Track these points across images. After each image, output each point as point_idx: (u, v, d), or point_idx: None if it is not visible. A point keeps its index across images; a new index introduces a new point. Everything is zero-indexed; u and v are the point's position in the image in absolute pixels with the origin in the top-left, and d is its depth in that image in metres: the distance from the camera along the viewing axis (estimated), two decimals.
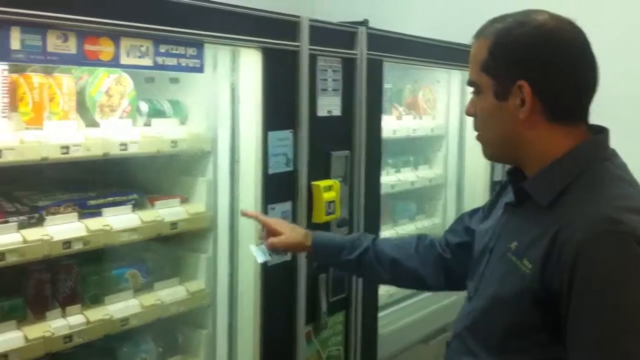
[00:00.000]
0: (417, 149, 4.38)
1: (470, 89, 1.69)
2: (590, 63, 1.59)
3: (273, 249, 2.27)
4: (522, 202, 1.65)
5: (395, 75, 4.12)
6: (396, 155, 4.16)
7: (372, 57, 3.19)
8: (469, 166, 4.44)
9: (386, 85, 3.90)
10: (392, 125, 3.90)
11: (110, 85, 2.57)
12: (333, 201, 2.90)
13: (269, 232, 2.29)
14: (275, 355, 2.85)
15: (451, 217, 4.48)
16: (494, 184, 4.38)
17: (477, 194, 4.42)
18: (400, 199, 4.26)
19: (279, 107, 2.74)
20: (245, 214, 2.47)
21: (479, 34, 1.64)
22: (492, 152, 1.71)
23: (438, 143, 4.46)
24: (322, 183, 2.89)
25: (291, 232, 2.28)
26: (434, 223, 4.44)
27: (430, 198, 4.52)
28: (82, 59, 2.10)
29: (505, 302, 1.59)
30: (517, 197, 1.67)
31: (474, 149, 4.33)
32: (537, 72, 1.55)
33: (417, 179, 4.22)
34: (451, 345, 1.80)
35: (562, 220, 1.49)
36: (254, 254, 2.30)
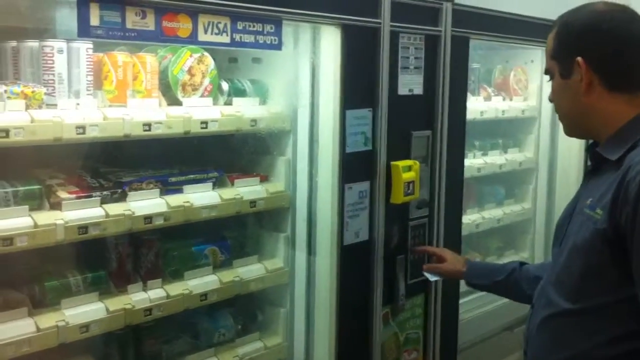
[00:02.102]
0: (507, 131, 4.24)
1: (547, 78, 1.92)
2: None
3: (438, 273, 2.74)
4: (598, 168, 1.82)
5: (485, 54, 4.00)
6: (484, 138, 4.04)
7: (458, 34, 3.09)
8: (562, 150, 4.25)
9: (474, 65, 3.80)
10: (480, 106, 3.79)
11: (193, 64, 2.60)
12: (412, 182, 2.84)
13: (437, 258, 2.75)
14: (352, 335, 2.83)
15: (542, 202, 4.32)
16: (588, 169, 4.19)
17: (571, 179, 4.23)
18: (488, 183, 4.14)
19: (358, 86, 2.71)
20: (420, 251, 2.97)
21: (550, 29, 1.89)
22: (569, 128, 1.94)
23: (529, 125, 4.30)
24: (402, 163, 2.83)
25: (452, 259, 2.69)
26: (523, 208, 4.30)
27: (520, 182, 4.36)
28: (160, 35, 2.13)
29: (582, 248, 1.76)
30: (594, 162, 1.85)
31: None
32: (590, 48, 1.78)
33: (506, 162, 4.08)
34: (534, 306, 1.96)
35: (627, 165, 1.68)
36: (426, 275, 2.79)
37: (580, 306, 1.77)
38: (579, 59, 1.77)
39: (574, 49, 1.79)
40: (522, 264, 2.41)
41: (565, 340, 1.81)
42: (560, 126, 4.25)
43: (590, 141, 1.93)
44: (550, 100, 1.93)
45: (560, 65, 1.84)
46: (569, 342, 1.80)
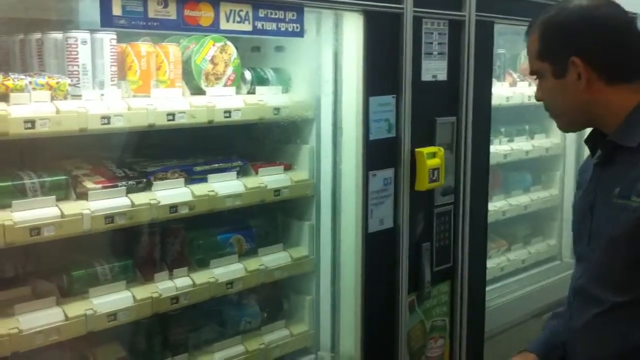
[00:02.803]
0: (533, 117, 4.18)
1: (533, 77, 1.91)
2: (630, 29, 1.80)
3: None
4: (610, 158, 1.81)
5: (510, 39, 3.94)
6: (510, 124, 3.99)
7: (482, 19, 3.06)
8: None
9: (499, 50, 3.76)
10: (505, 92, 3.75)
11: (215, 53, 2.61)
12: (437, 168, 2.83)
13: None
14: (377, 323, 2.84)
15: (569, 189, 4.27)
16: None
17: None
18: (514, 169, 4.10)
19: (381, 72, 2.69)
20: None
21: (528, 32, 1.88)
22: (566, 123, 1.91)
23: None
24: (426, 150, 2.81)
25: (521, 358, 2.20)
26: (551, 195, 4.25)
27: (547, 169, 4.32)
28: (182, 24, 2.14)
29: (622, 240, 1.73)
30: (605, 152, 1.82)
31: None
32: (584, 46, 1.76)
33: (533, 148, 4.04)
34: (574, 304, 1.93)
35: None
36: None
37: (631, 297, 1.75)
38: (575, 58, 1.76)
39: (567, 48, 1.77)
40: (555, 315, 2.21)
41: (619, 334, 1.79)
42: None
43: (587, 133, 1.92)
44: (539, 99, 1.91)
45: (552, 66, 1.81)
46: (624, 335, 1.78)
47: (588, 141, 1.93)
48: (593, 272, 1.85)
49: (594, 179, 1.88)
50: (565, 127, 1.96)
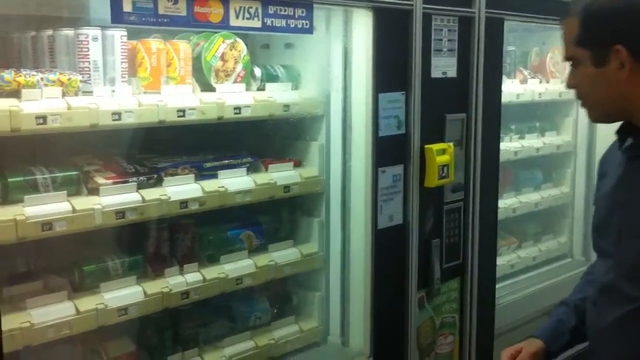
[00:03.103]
0: (544, 115, 4.17)
1: (568, 64, 1.85)
2: None
3: None
4: None
5: (521, 36, 3.94)
6: (520, 121, 3.98)
7: (492, 15, 3.06)
8: (600, 133, 4.17)
9: (510, 48, 3.75)
10: (516, 89, 3.74)
11: (225, 50, 2.62)
12: (447, 165, 2.83)
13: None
14: (387, 319, 2.84)
15: (581, 186, 4.26)
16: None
17: None
18: (525, 167, 4.09)
19: (391, 69, 2.70)
20: None
21: (567, 16, 1.81)
22: (600, 114, 1.87)
23: (567, 108, 4.23)
24: (435, 146, 2.82)
25: (528, 344, 2.21)
26: (562, 192, 4.24)
27: (558, 166, 4.30)
28: (192, 21, 2.15)
29: None
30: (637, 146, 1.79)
31: None
32: (629, 35, 1.72)
33: (543, 145, 4.02)
34: (601, 301, 1.90)
35: None
36: None
37: None
38: (619, 46, 1.71)
39: (610, 36, 1.72)
40: (562, 303, 2.25)
41: None
42: None
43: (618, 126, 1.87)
44: (571, 87, 1.85)
45: (593, 54, 1.75)
46: None
47: (619, 132, 1.87)
48: (625, 270, 1.82)
49: (624, 176, 1.84)
50: (598, 119, 1.90)
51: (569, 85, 1.86)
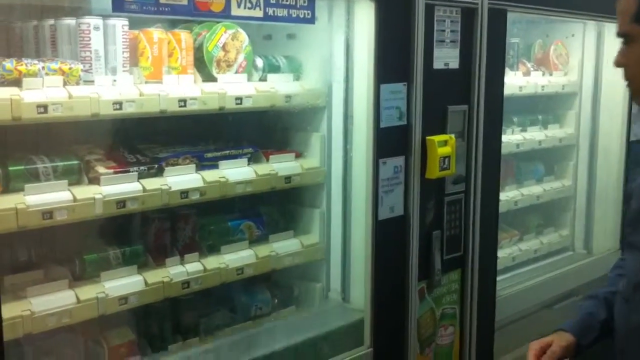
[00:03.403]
0: (547, 107, 4.16)
1: (620, 40, 1.74)
2: None
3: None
4: None
5: (524, 29, 3.92)
6: (523, 113, 3.97)
7: (495, 6, 3.05)
8: (603, 125, 4.17)
9: (513, 40, 3.74)
10: (518, 81, 3.73)
11: (227, 40, 2.62)
12: (448, 157, 2.82)
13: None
14: (388, 310, 2.84)
15: (583, 179, 4.25)
16: (630, 144, 4.10)
17: (612, 155, 4.17)
18: (527, 159, 4.08)
19: (392, 60, 2.69)
20: None
21: None
22: None
23: (570, 101, 4.21)
24: (437, 138, 2.81)
25: (558, 337, 2.12)
26: (563, 185, 4.22)
27: (560, 159, 4.29)
28: (194, 10, 2.15)
29: None
30: None
31: (610, 106, 4.09)
32: None
33: (546, 138, 4.01)
34: (635, 298, 1.82)
35: None
36: None
37: None
38: None
39: None
40: (590, 297, 2.17)
41: None
42: (602, 102, 4.20)
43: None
44: (620, 65, 1.76)
45: None
46: None
47: None
48: None
49: None
50: None
51: (618, 64, 1.77)
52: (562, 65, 4.13)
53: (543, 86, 3.89)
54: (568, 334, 2.06)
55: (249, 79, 2.68)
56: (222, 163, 2.63)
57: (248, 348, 2.57)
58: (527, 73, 3.89)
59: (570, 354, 2.05)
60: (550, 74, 4.04)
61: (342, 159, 2.83)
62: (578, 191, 4.27)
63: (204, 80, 2.55)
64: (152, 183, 2.40)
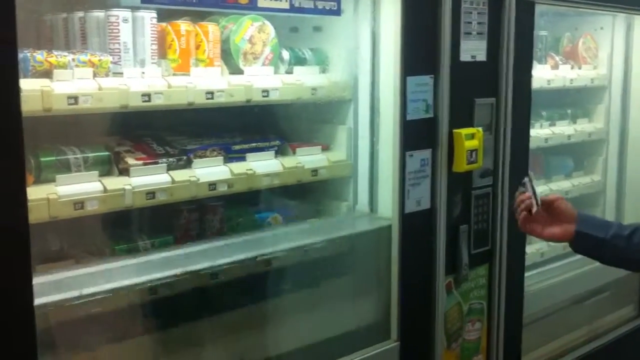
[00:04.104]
0: (575, 101, 4.12)
1: None
2: None
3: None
4: None
5: (553, 22, 3.89)
6: (551, 107, 3.93)
7: None
8: (634, 119, 4.11)
9: (541, 33, 3.70)
10: (547, 74, 3.69)
11: (253, 33, 2.63)
12: (475, 150, 2.80)
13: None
14: (415, 304, 2.83)
15: (613, 174, 4.20)
16: None
17: None
18: (555, 154, 4.03)
19: (419, 52, 2.68)
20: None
21: None
22: None
23: (599, 95, 4.16)
24: (464, 131, 2.79)
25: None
26: (593, 180, 4.18)
27: (589, 153, 4.24)
28: (221, 1, 2.16)
29: None
30: None
31: None
32: None
33: (575, 132, 3.97)
34: None
35: None
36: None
37: None
38: None
39: None
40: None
41: None
42: (632, 96, 4.14)
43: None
44: None
45: None
46: None
47: None
48: None
49: None
50: None
51: None
52: (591, 59, 4.09)
53: (572, 80, 3.85)
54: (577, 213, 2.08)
55: (275, 72, 2.69)
56: (249, 155, 2.64)
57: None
58: (555, 66, 3.85)
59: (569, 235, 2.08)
60: (579, 68, 4.00)
61: (369, 151, 2.83)
62: (608, 186, 4.22)
63: (230, 73, 2.56)
64: (181, 175, 2.42)
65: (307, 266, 2.66)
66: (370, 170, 2.84)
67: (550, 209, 2.13)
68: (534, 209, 2.12)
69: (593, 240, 2.06)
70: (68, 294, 2.05)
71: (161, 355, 2.37)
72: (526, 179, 2.17)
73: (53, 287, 2.06)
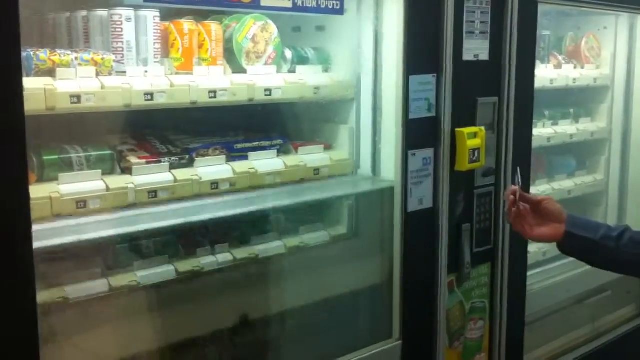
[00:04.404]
0: (578, 101, 4.11)
1: None
2: None
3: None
4: None
5: (556, 21, 3.89)
6: (554, 107, 3.93)
7: None
8: (636, 119, 4.11)
9: (544, 32, 3.70)
10: (549, 74, 3.69)
11: (256, 32, 2.63)
12: (478, 149, 2.80)
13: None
14: (417, 302, 2.84)
15: (615, 174, 4.19)
16: None
17: None
18: (558, 153, 4.03)
19: (422, 50, 2.68)
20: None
21: None
22: None
23: (602, 94, 4.16)
24: (467, 130, 2.79)
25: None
26: (595, 180, 4.17)
27: (592, 153, 4.23)
28: (224, 1, 2.16)
29: None
30: None
31: None
32: None
33: (577, 132, 3.97)
34: None
35: None
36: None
37: None
38: None
39: None
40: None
41: None
42: (635, 95, 4.14)
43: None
44: None
45: None
46: None
47: None
48: None
49: None
50: None
51: None
52: (594, 59, 4.08)
53: (574, 79, 3.85)
54: (565, 215, 2.09)
55: (278, 71, 2.69)
56: (251, 154, 2.64)
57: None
58: (558, 66, 3.85)
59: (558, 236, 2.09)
60: (582, 67, 4.00)
61: (371, 150, 2.83)
62: (610, 186, 4.21)
63: (233, 72, 2.56)
64: (183, 173, 2.42)
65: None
66: (373, 169, 2.84)
67: (538, 209, 2.14)
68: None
69: (582, 241, 2.08)
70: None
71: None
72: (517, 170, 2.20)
73: None
